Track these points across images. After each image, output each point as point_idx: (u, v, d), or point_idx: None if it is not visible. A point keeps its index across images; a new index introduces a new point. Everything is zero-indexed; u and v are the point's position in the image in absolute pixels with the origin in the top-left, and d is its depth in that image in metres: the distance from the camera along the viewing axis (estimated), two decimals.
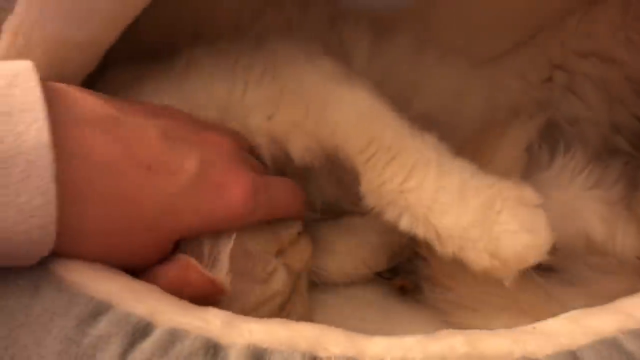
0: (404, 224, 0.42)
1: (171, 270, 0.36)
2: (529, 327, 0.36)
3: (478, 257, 0.40)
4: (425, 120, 0.49)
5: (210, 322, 0.32)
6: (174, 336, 0.30)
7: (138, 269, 0.37)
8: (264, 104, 0.44)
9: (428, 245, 0.46)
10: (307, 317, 0.46)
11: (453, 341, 0.32)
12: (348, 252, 0.52)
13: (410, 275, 0.51)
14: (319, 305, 0.50)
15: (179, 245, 0.38)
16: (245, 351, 0.30)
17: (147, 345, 0.29)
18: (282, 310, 0.43)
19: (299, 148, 0.44)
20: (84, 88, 0.38)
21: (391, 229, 0.49)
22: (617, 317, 0.35)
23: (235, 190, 0.38)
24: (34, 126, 0.31)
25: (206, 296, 0.37)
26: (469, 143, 0.54)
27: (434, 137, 0.44)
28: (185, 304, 0.34)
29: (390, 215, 0.43)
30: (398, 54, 0.56)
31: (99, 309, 0.30)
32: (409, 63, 0.56)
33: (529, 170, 0.54)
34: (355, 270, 0.52)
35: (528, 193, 0.42)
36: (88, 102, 0.36)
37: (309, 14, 0.55)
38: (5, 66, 0.33)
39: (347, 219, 0.53)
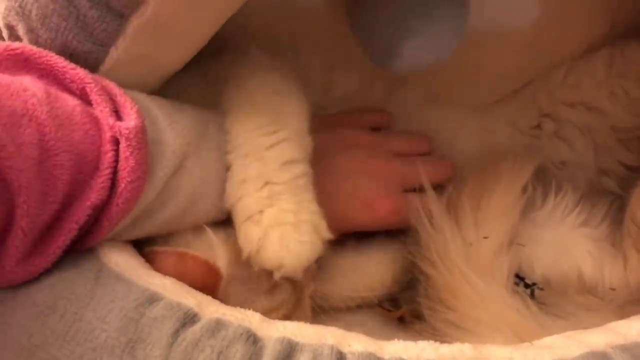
0: None
1: (169, 261, 0.41)
2: (527, 343, 0.39)
3: None
4: None
5: (250, 316, 0.35)
6: (219, 324, 0.33)
7: None
8: None
9: (431, 262, 0.50)
10: None
11: (462, 347, 0.35)
12: (353, 270, 0.53)
13: (409, 305, 0.52)
14: None
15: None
16: (280, 342, 0.33)
17: (196, 329, 0.33)
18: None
19: None
20: None
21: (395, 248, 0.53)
22: (607, 335, 0.38)
23: (380, 208, 0.54)
24: None
25: (205, 283, 0.40)
26: (467, 186, 0.56)
27: None
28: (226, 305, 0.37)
29: None
30: (408, 98, 0.61)
31: (154, 297, 0.34)
32: (416, 105, 0.60)
33: (525, 209, 0.56)
34: (362, 292, 0.53)
35: None
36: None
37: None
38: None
39: (354, 241, 0.55)
